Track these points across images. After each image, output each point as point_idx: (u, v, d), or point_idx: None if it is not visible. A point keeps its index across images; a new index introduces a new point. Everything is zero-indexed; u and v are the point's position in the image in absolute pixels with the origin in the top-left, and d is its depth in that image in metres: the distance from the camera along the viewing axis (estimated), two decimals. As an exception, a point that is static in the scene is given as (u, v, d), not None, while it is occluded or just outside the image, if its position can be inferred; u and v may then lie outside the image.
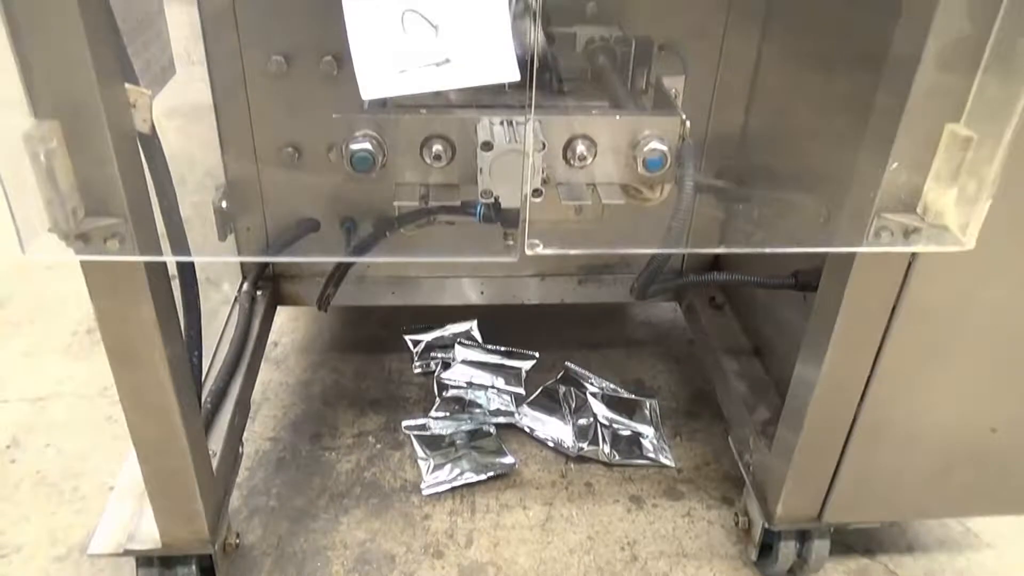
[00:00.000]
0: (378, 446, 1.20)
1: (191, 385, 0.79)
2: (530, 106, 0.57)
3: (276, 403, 1.28)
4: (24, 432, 1.20)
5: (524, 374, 1.31)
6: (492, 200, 0.70)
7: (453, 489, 1.12)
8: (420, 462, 1.16)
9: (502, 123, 0.70)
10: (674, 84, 0.81)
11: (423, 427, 1.21)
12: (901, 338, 0.77)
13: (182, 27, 0.97)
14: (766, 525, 0.93)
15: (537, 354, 1.35)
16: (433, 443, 1.18)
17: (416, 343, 1.38)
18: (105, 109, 0.59)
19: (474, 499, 1.12)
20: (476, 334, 1.40)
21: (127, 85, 0.63)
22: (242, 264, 1.21)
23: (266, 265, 1.15)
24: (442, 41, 0.50)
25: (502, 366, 1.32)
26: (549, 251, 0.60)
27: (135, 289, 0.67)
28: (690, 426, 1.26)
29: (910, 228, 0.67)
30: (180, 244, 0.72)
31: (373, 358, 1.38)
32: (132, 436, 0.79)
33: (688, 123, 0.71)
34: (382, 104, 0.72)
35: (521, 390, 1.27)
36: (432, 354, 1.36)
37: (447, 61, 0.50)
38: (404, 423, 1.22)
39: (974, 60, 0.62)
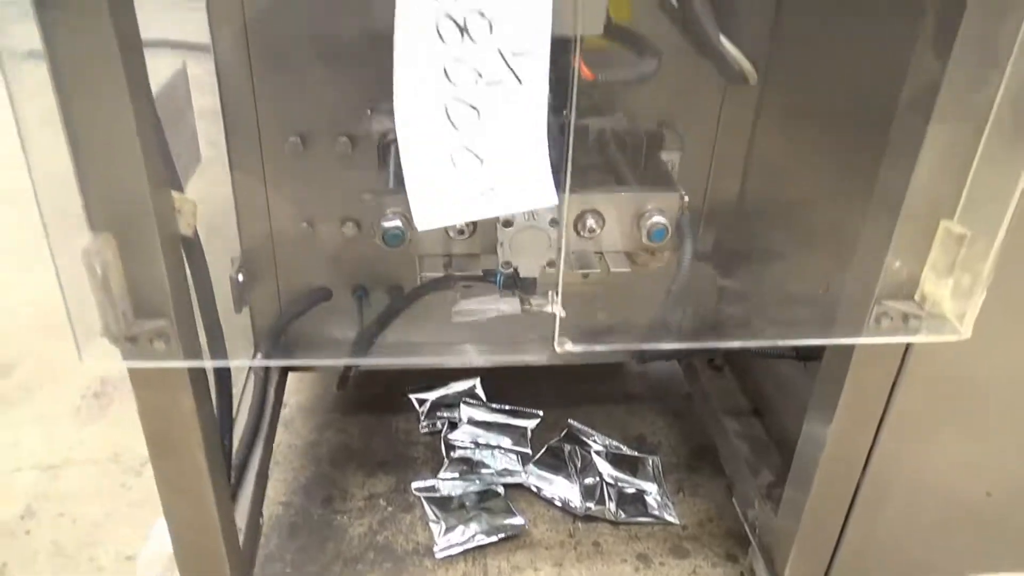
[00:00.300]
0: (389, 508, 1.22)
1: (223, 468, 0.82)
2: (562, 214, 0.61)
3: (286, 466, 1.30)
4: (38, 501, 1.21)
5: (529, 433, 1.34)
6: (512, 270, 0.75)
7: (465, 552, 1.14)
8: (432, 524, 1.18)
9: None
10: (671, 158, 0.87)
11: (433, 488, 1.24)
12: (902, 409, 0.82)
13: (203, 114, 1.01)
14: (776, 588, 0.96)
15: (541, 412, 1.38)
16: (443, 505, 1.21)
17: (421, 402, 1.41)
18: (156, 218, 0.63)
19: (486, 561, 1.14)
20: (480, 392, 1.43)
21: (174, 193, 0.67)
22: (254, 331, 1.24)
23: (279, 335, 1.18)
24: (487, 172, 0.54)
25: (507, 425, 1.35)
26: (578, 348, 0.64)
27: (177, 383, 0.70)
28: (692, 481, 1.29)
29: (910, 315, 0.72)
30: (218, 342, 0.75)
31: (378, 418, 1.41)
32: (166, 517, 0.81)
33: (686, 198, 0.77)
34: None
35: (528, 450, 1.30)
36: (438, 413, 1.39)
37: (491, 190, 0.54)
38: (414, 485, 1.25)
39: (969, 157, 0.67)
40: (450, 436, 1.32)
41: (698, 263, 0.85)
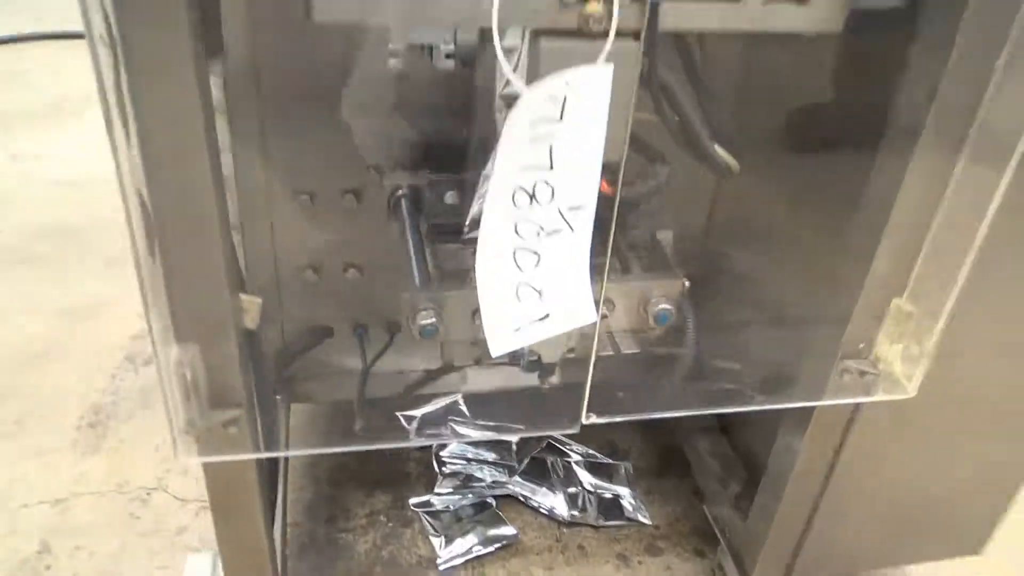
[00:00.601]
0: (390, 524, 1.33)
1: (271, 519, 0.91)
2: (600, 304, 0.71)
3: (288, 487, 1.38)
4: (52, 536, 1.26)
5: (514, 446, 1.46)
6: (536, 358, 0.85)
7: (466, 562, 1.26)
8: (432, 539, 1.29)
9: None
10: (664, 236, 0.98)
11: (429, 503, 1.35)
12: (860, 431, 0.96)
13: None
14: (746, 586, 1.12)
15: (523, 426, 1.50)
16: (441, 518, 1.32)
17: (409, 419, 1.51)
18: (233, 321, 0.71)
19: (484, 570, 1.26)
20: (463, 407, 1.53)
21: (241, 295, 0.75)
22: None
23: (284, 368, 1.26)
24: (544, 302, 0.65)
25: (492, 441, 1.47)
26: (603, 420, 0.75)
27: (245, 462, 0.79)
28: (660, 484, 1.44)
29: (867, 372, 0.86)
30: (275, 422, 0.83)
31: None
32: (221, 550, 0.89)
33: (687, 283, 0.88)
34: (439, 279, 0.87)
35: (513, 463, 1.42)
36: (427, 430, 1.49)
37: (547, 316, 0.65)
38: (411, 501, 1.35)
39: (919, 244, 0.81)
40: (441, 453, 1.43)
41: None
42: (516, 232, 0.60)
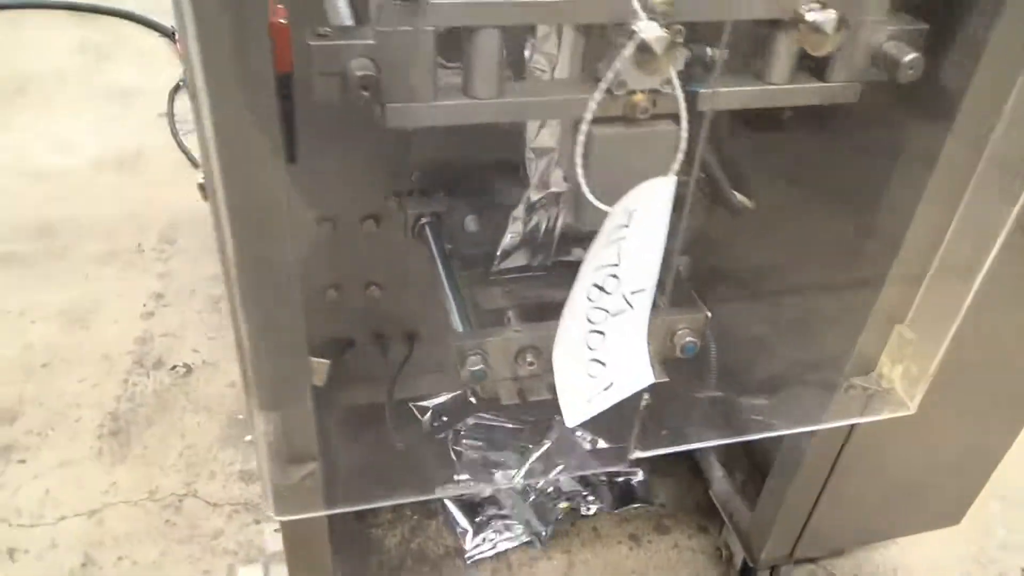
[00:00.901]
0: (415, 517, 1.41)
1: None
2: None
3: (313, 486, 1.45)
4: (93, 548, 1.32)
5: (527, 432, 1.54)
6: None
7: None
8: (458, 531, 1.38)
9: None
10: (679, 261, 1.05)
11: (452, 495, 1.43)
12: (865, 429, 1.05)
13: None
14: (750, 564, 1.23)
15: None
16: (464, 510, 1.41)
17: (423, 411, 1.58)
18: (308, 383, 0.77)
19: (508, 556, 1.36)
20: (472, 398, 1.61)
21: (312, 359, 0.80)
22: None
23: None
24: (608, 372, 0.71)
25: (506, 427, 1.55)
26: (647, 454, 0.83)
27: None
28: (663, 463, 1.54)
29: (870, 389, 0.96)
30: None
31: (386, 428, 1.57)
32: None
33: (710, 315, 0.96)
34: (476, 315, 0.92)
35: (529, 446, 1.51)
36: (442, 418, 1.56)
37: (612, 385, 0.71)
38: (437, 489, 1.43)
39: (923, 275, 0.89)
40: (459, 442, 1.51)
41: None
42: (588, 320, 0.67)
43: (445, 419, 1.54)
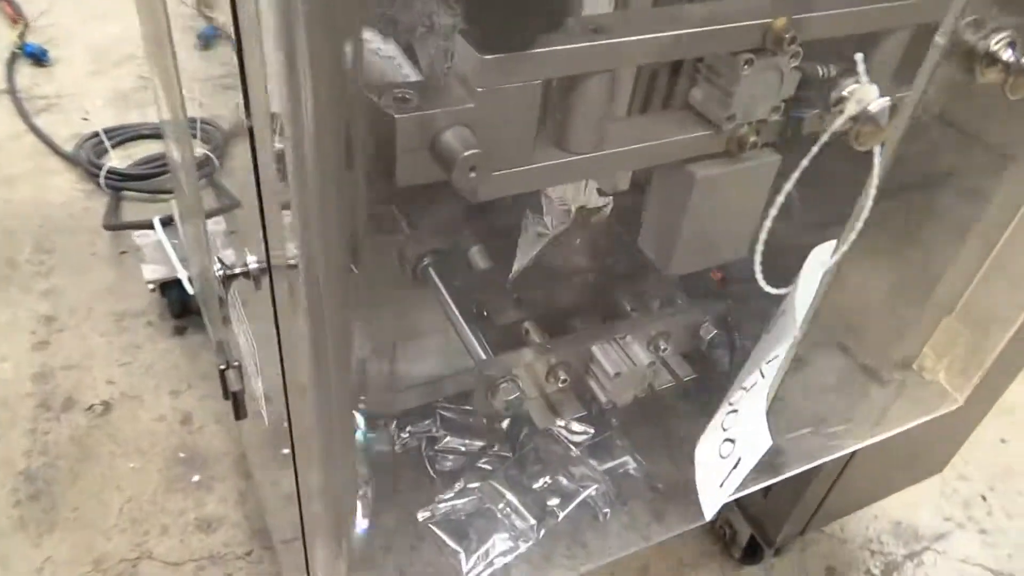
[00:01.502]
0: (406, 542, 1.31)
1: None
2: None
3: (283, 523, 1.31)
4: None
5: (503, 429, 1.45)
6: (611, 405, 0.93)
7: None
8: (450, 555, 1.29)
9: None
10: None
11: (436, 513, 1.33)
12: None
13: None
14: (766, 548, 1.22)
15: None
16: (453, 530, 1.31)
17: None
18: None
19: (509, 569, 1.29)
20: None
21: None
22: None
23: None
24: (735, 448, 0.62)
25: (479, 427, 1.45)
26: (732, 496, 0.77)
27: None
28: (642, 435, 1.50)
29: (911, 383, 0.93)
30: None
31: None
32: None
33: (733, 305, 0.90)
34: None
35: (507, 453, 1.42)
36: (408, 428, 1.44)
37: (740, 460, 0.63)
38: (419, 514, 1.33)
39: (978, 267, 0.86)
40: (431, 450, 1.40)
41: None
42: (728, 403, 0.58)
43: (410, 430, 1.43)
